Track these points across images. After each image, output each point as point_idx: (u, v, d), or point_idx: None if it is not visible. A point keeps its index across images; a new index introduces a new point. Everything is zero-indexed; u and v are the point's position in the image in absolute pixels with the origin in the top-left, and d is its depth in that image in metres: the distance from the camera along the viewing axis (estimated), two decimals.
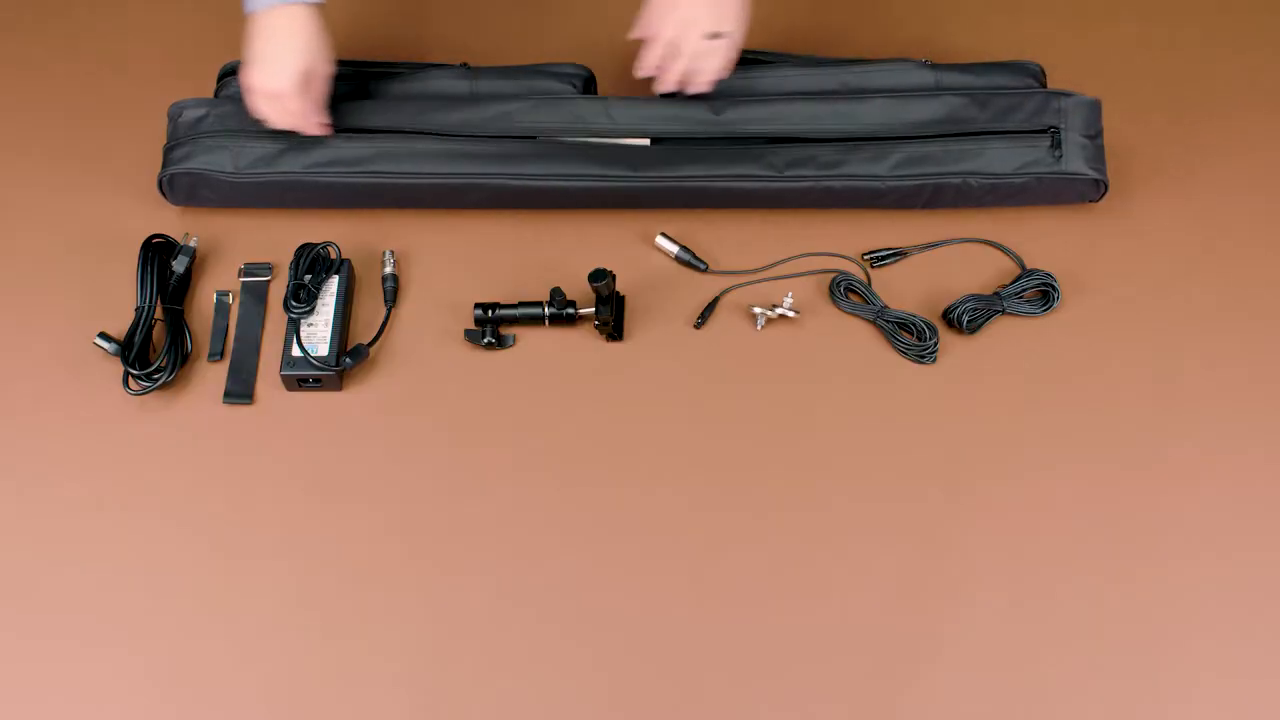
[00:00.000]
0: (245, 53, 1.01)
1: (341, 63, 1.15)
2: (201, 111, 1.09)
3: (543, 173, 1.07)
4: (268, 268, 1.08)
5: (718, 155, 1.08)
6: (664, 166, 1.08)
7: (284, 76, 0.99)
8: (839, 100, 1.10)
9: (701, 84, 1.07)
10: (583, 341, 1.05)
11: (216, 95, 1.14)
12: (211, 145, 1.08)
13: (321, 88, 1.04)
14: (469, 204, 1.11)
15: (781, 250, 1.10)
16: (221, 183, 1.08)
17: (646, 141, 1.09)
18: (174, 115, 1.10)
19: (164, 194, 1.10)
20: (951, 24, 1.27)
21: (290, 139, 1.07)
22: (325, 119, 1.06)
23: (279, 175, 1.07)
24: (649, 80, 1.11)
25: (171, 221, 1.11)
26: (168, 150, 1.09)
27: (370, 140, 1.08)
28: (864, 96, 1.10)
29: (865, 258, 1.10)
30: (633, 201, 1.10)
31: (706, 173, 1.08)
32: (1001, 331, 1.06)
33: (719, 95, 1.10)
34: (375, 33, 1.27)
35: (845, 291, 1.07)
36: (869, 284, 1.07)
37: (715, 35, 1.03)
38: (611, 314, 1.03)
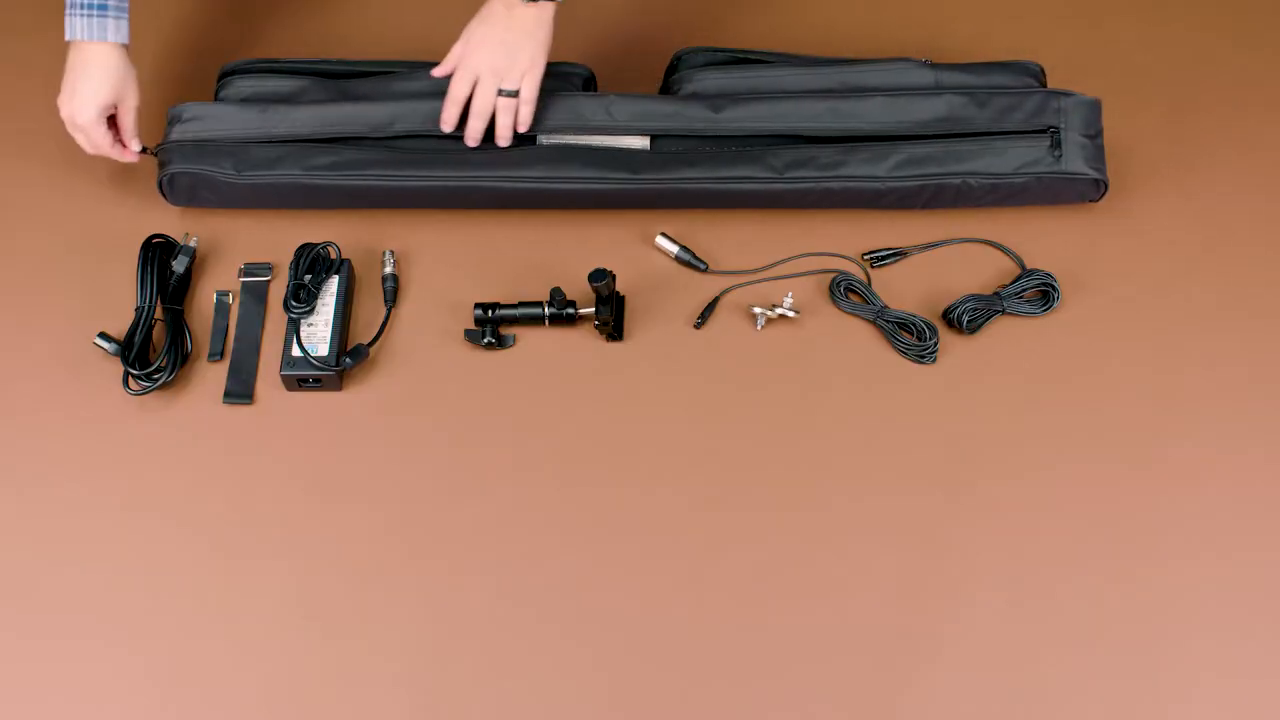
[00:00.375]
0: (64, 79, 1.05)
1: (340, 62, 1.15)
2: (200, 113, 1.09)
3: (543, 176, 1.07)
4: (268, 268, 1.08)
5: (717, 158, 1.08)
6: (663, 170, 1.07)
7: (87, 110, 1.03)
8: (838, 98, 1.10)
9: (499, 139, 1.08)
10: (583, 341, 1.05)
11: (217, 95, 1.14)
12: (212, 148, 1.07)
13: (129, 119, 1.07)
14: (470, 205, 1.11)
15: (781, 250, 1.10)
16: (222, 184, 1.08)
17: (646, 143, 1.09)
18: (172, 118, 1.10)
19: (164, 194, 1.10)
20: (951, 24, 1.28)
21: (289, 145, 1.07)
22: (136, 148, 1.08)
23: (280, 178, 1.07)
24: (648, 76, 1.11)
25: (171, 221, 1.11)
26: (167, 152, 1.09)
27: (370, 146, 1.08)
28: (864, 95, 1.10)
29: (865, 258, 1.10)
30: (632, 203, 1.10)
31: (706, 175, 1.08)
32: (1001, 331, 1.06)
33: (717, 95, 1.10)
34: (376, 33, 1.27)
35: (845, 291, 1.07)
36: (869, 284, 1.07)
37: (506, 93, 1.05)
38: (611, 314, 1.03)
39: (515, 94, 1.05)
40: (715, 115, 1.08)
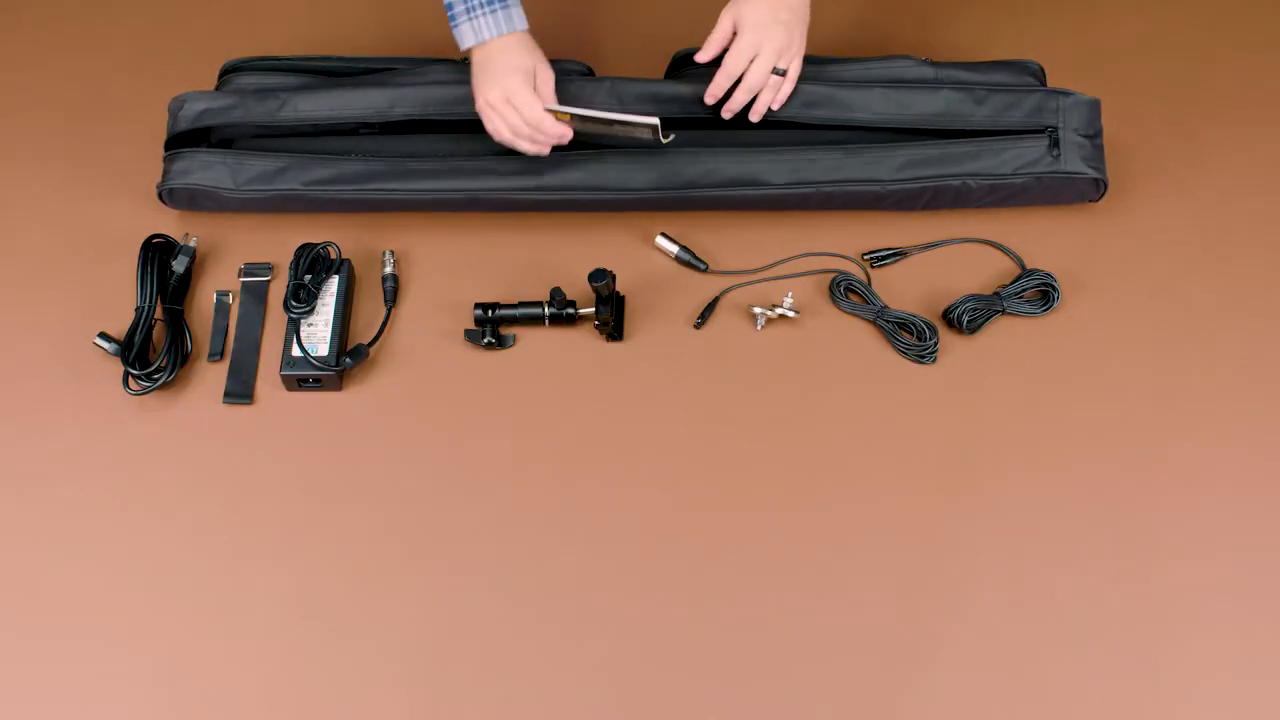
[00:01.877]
0: (475, 81, 1.04)
1: (340, 59, 1.15)
2: (202, 105, 1.09)
3: (543, 185, 1.07)
4: (268, 268, 1.08)
5: (717, 166, 1.08)
6: (664, 178, 1.08)
7: (513, 76, 1.02)
8: (837, 86, 1.10)
9: (756, 114, 1.08)
10: (583, 341, 1.05)
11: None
12: (210, 160, 1.07)
13: (547, 89, 1.05)
14: (470, 210, 1.11)
15: (781, 250, 1.10)
16: (221, 197, 1.08)
17: (656, 120, 1.08)
18: (174, 109, 1.10)
19: (164, 202, 1.10)
20: (952, 23, 1.28)
21: (289, 156, 1.07)
22: (562, 129, 1.05)
23: (279, 191, 1.07)
24: (649, 76, 1.12)
25: (172, 221, 1.11)
26: (167, 160, 1.09)
27: (370, 160, 1.08)
28: (863, 86, 1.10)
29: (865, 258, 1.10)
30: (632, 208, 1.10)
31: (707, 183, 1.08)
32: (1001, 331, 1.05)
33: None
34: (378, 31, 1.27)
35: (845, 291, 1.07)
36: (869, 284, 1.07)
37: (776, 71, 1.05)
38: (611, 314, 1.03)
39: (783, 73, 1.05)
40: (715, 103, 1.08)
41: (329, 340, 1.02)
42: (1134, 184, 1.14)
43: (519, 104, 1.03)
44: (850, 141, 1.10)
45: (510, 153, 1.07)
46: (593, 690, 0.89)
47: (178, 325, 1.04)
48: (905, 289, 1.08)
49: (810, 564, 0.94)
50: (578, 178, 1.08)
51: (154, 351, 1.03)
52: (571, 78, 1.11)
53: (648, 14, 1.29)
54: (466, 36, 1.03)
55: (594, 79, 1.11)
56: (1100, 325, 1.06)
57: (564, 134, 1.05)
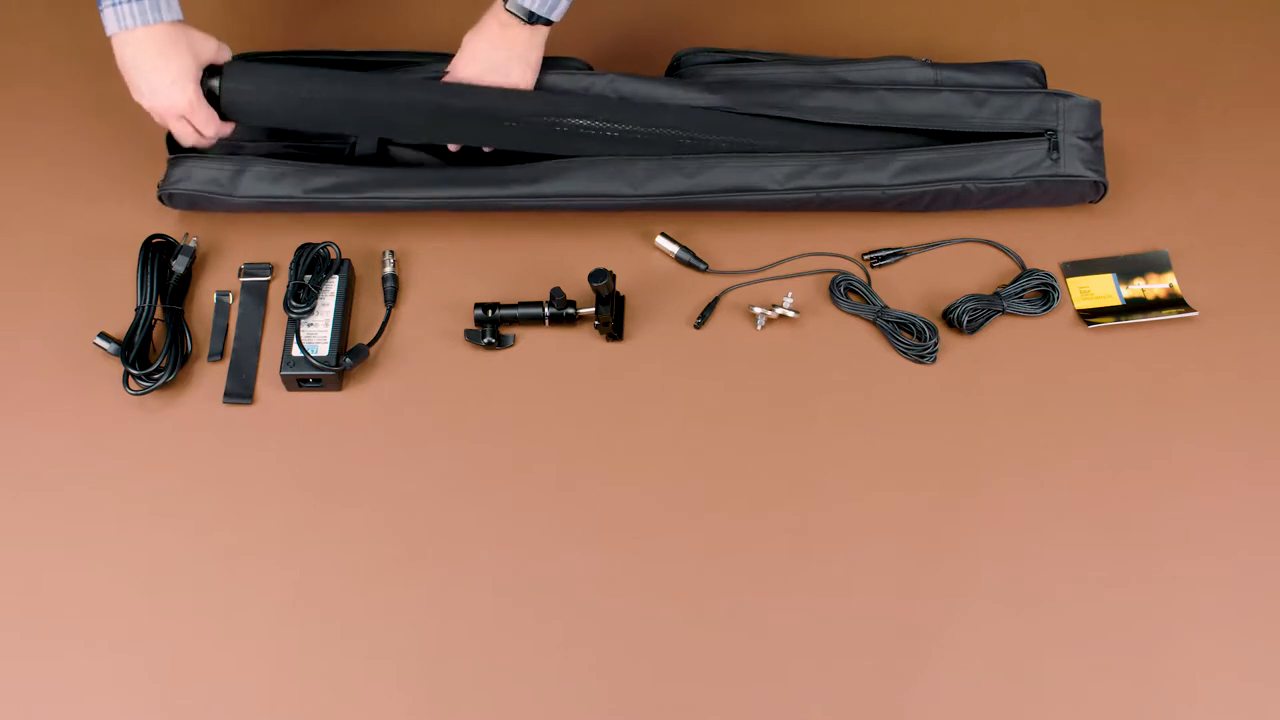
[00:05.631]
0: (125, 74, 1.00)
1: (341, 54, 1.15)
2: (239, 71, 1.09)
3: (542, 194, 1.07)
4: (268, 268, 1.08)
5: (716, 169, 1.08)
6: (662, 185, 1.08)
7: (186, 91, 0.99)
8: (836, 90, 1.10)
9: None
10: (583, 341, 1.05)
11: None
12: (211, 166, 1.07)
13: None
14: (469, 211, 1.11)
15: (781, 250, 1.10)
16: (221, 201, 1.08)
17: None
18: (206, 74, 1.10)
19: (164, 204, 1.10)
20: (951, 24, 1.28)
21: (288, 164, 1.08)
22: (223, 126, 1.04)
23: (278, 199, 1.08)
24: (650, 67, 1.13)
25: (172, 221, 1.11)
26: (168, 164, 1.09)
27: (368, 169, 1.08)
28: (863, 89, 1.10)
29: (865, 258, 1.10)
30: (633, 207, 1.10)
31: (707, 188, 1.08)
32: (1001, 331, 1.06)
33: (717, 82, 1.10)
34: (375, 29, 1.27)
35: (845, 291, 1.07)
36: (869, 284, 1.07)
37: None
38: (611, 314, 1.03)
39: None
40: (712, 95, 1.08)
41: (329, 340, 1.02)
42: (1134, 184, 1.14)
43: (200, 120, 1.01)
44: (850, 144, 1.10)
45: (513, 159, 1.08)
46: (592, 690, 0.89)
47: (178, 325, 1.04)
48: (905, 289, 1.08)
49: (810, 564, 0.94)
50: (576, 185, 1.08)
51: (154, 351, 1.03)
52: (572, 72, 1.10)
53: (648, 13, 1.29)
54: (110, 20, 0.96)
55: (595, 73, 1.11)
56: (1100, 325, 1.06)
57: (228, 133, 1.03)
